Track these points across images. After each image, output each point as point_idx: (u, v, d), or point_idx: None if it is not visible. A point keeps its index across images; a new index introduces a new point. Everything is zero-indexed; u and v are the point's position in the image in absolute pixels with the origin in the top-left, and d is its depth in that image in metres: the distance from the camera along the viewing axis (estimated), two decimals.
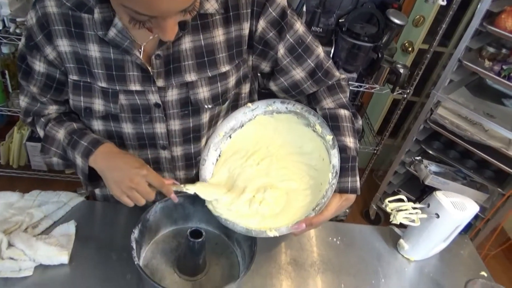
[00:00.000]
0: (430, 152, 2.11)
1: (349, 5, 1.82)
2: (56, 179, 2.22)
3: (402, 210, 0.97)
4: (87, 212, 1.01)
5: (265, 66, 0.90)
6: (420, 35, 2.24)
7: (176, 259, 0.88)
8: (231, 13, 0.79)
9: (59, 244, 0.89)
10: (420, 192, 2.25)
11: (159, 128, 0.88)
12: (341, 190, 0.83)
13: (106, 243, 0.93)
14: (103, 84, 0.81)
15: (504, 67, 1.71)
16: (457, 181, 2.04)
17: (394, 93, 1.96)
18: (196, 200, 0.88)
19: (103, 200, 1.08)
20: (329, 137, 0.84)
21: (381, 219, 2.47)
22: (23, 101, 0.91)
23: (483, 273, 1.05)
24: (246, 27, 0.81)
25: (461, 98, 1.92)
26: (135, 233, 0.81)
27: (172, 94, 0.83)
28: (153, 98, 0.83)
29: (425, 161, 2.11)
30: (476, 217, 2.02)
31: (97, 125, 0.89)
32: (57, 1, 0.75)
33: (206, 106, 0.86)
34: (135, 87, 0.81)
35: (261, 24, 0.82)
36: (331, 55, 1.82)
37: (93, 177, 0.87)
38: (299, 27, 0.85)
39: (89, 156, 0.83)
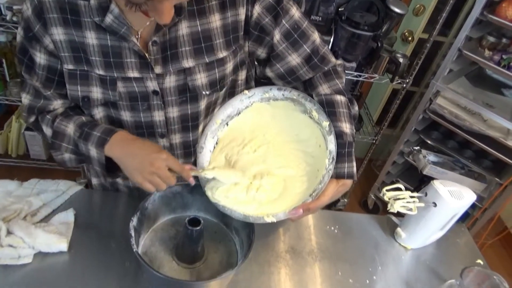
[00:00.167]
0: (429, 142, 2.11)
1: None
2: (55, 169, 2.21)
3: (399, 199, 0.97)
4: (86, 201, 1.02)
5: (261, 52, 0.89)
6: (420, 24, 2.23)
7: (174, 247, 0.89)
8: None
9: (58, 231, 0.89)
10: (419, 182, 2.26)
11: (157, 116, 0.88)
12: (337, 175, 0.83)
13: (105, 231, 0.93)
14: (101, 72, 0.81)
15: (504, 56, 1.70)
16: (455, 171, 2.05)
17: (394, 83, 1.96)
18: (194, 189, 0.88)
19: (101, 189, 1.08)
20: (326, 123, 0.85)
21: (379, 209, 2.48)
22: (25, 98, 0.88)
23: (479, 261, 1.06)
24: (242, 12, 0.81)
25: (461, 88, 1.92)
26: (134, 221, 0.82)
27: (170, 81, 0.83)
28: (151, 85, 0.83)
29: (424, 151, 2.11)
30: (474, 206, 2.03)
31: (98, 113, 0.88)
32: None
33: (204, 93, 0.86)
34: (133, 74, 0.81)
35: (257, 9, 0.81)
36: (330, 44, 1.81)
37: (110, 167, 0.86)
38: (295, 12, 0.85)
39: (104, 145, 0.82)
